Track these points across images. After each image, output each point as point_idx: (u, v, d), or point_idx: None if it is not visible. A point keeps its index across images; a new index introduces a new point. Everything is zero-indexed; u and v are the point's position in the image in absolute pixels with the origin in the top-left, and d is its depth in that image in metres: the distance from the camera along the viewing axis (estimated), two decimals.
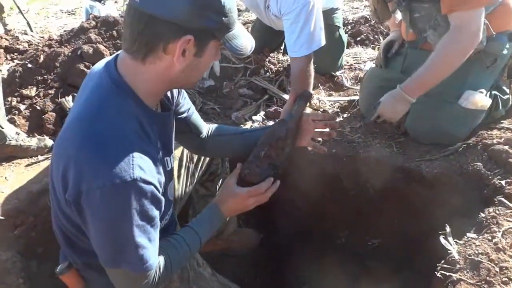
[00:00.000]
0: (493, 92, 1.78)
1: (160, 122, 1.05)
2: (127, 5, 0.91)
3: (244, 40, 0.98)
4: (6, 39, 3.89)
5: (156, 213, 0.97)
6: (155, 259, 0.99)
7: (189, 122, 1.32)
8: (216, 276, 1.45)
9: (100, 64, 1.03)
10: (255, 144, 1.30)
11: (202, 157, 1.63)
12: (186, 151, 1.56)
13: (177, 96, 1.21)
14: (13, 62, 3.25)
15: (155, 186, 0.93)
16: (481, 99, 1.69)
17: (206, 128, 1.40)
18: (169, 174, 1.10)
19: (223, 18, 0.90)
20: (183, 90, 1.27)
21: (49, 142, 2.04)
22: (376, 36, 3.27)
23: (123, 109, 0.93)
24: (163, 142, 1.07)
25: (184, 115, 1.28)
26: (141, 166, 0.89)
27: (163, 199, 0.99)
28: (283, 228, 2.06)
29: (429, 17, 1.72)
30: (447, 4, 1.55)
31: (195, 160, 1.60)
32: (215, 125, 1.45)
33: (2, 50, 3.55)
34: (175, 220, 1.42)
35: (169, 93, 1.15)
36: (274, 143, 1.26)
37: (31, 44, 3.70)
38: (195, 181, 1.64)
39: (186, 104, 1.29)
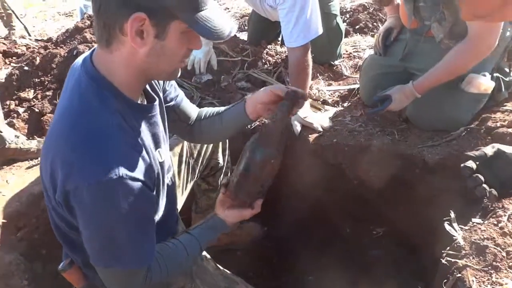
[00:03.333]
0: (495, 75, 1.75)
1: (145, 113, 1.02)
2: None
3: (217, 23, 0.88)
4: (4, 44, 3.89)
5: (146, 210, 0.95)
6: (147, 258, 0.98)
7: (178, 110, 1.28)
8: (220, 270, 1.44)
9: (79, 60, 1.00)
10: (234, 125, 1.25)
11: (203, 152, 1.61)
12: (185, 147, 1.54)
13: (163, 84, 1.18)
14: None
15: (144, 183, 0.90)
16: (484, 82, 1.66)
17: (195, 114, 1.36)
18: (163, 166, 1.07)
19: None
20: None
21: None
22: (375, 23, 3.23)
23: (104, 105, 0.90)
24: (152, 135, 1.04)
25: (172, 103, 1.25)
26: (126, 163, 0.87)
27: (153, 195, 0.97)
28: (287, 220, 2.05)
29: (434, 7, 1.68)
30: (470, 12, 1.50)
31: (195, 155, 1.59)
32: (202, 109, 1.38)
33: (0, 54, 3.55)
34: (177, 215, 1.41)
35: (154, 82, 1.11)
36: (246, 173, 1.10)
37: (29, 48, 3.70)
38: (196, 177, 1.63)
39: (173, 91, 1.25)
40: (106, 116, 0.90)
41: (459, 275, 1.08)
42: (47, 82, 2.24)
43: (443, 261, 1.16)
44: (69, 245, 1.09)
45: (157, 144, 1.06)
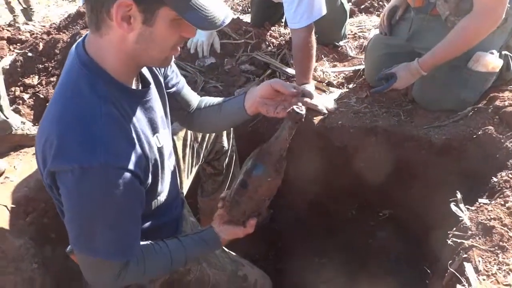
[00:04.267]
0: (504, 53, 1.71)
1: (139, 98, 1.00)
2: None
3: (210, 10, 0.85)
4: (8, 30, 3.87)
5: (128, 202, 0.93)
6: (121, 252, 0.98)
7: (178, 97, 1.26)
8: (226, 253, 1.46)
9: (75, 44, 0.99)
10: (233, 116, 1.22)
11: (207, 136, 1.60)
12: (190, 131, 1.54)
13: (165, 69, 1.16)
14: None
15: (131, 171, 0.89)
16: (492, 60, 1.63)
17: (196, 102, 1.33)
18: (162, 151, 1.07)
19: None
20: (173, 64, 1.22)
21: None
22: (380, 2, 3.17)
23: (93, 91, 0.89)
24: (148, 120, 1.02)
25: (173, 89, 1.23)
26: (111, 151, 0.86)
27: (140, 187, 0.95)
28: (293, 204, 2.05)
29: None
30: None
31: (199, 139, 1.58)
32: (202, 98, 1.36)
33: (4, 41, 3.54)
34: (182, 199, 1.42)
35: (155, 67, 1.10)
36: (241, 189, 1.07)
37: (33, 34, 3.68)
38: (200, 161, 1.63)
39: (175, 78, 1.23)
40: (94, 103, 0.88)
41: (465, 255, 1.08)
42: (51, 68, 2.24)
43: (449, 241, 1.15)
44: None
45: (154, 129, 1.05)
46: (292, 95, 1.06)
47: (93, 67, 0.90)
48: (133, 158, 0.91)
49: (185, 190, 1.58)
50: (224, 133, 1.66)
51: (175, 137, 1.48)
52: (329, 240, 1.92)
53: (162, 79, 1.15)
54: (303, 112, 0.95)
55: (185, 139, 1.52)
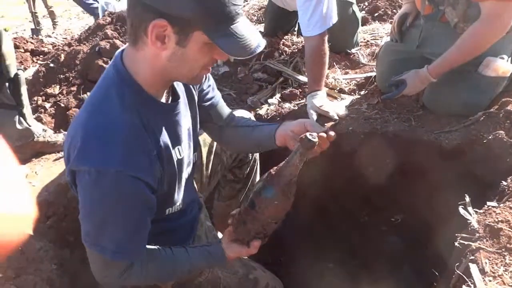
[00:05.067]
0: None
1: (166, 112, 1.04)
2: None
3: (243, 38, 0.88)
4: (31, 43, 4.03)
5: (138, 209, 0.98)
6: (126, 255, 1.03)
7: (212, 111, 1.30)
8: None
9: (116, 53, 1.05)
10: (260, 142, 1.25)
11: None
12: None
13: (201, 83, 1.19)
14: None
15: (143, 182, 0.93)
16: (502, 65, 1.63)
17: (229, 117, 1.37)
18: (181, 163, 1.11)
19: (201, 7, 0.83)
20: (210, 77, 1.26)
21: None
22: (394, 10, 3.18)
23: (121, 100, 0.94)
24: (172, 133, 1.06)
25: (208, 103, 1.27)
26: (128, 159, 0.91)
27: (152, 196, 0.99)
28: (305, 209, 2.07)
29: None
30: None
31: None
32: (236, 116, 1.39)
33: (28, 53, 3.70)
34: (201, 203, 1.45)
35: None
36: (248, 209, 1.07)
37: (55, 46, 3.83)
38: (224, 167, 1.66)
39: (211, 92, 1.27)
40: (119, 112, 0.93)
41: (472, 257, 1.08)
42: (71, 78, 2.33)
43: (457, 244, 1.16)
44: None
45: (176, 142, 1.08)
46: (302, 139, 1.06)
47: (125, 77, 0.95)
48: (148, 168, 0.95)
49: (205, 195, 1.61)
50: None
51: (201, 142, 1.52)
52: (342, 244, 1.92)
53: (195, 93, 1.19)
54: (315, 140, 0.95)
55: (211, 146, 1.57)
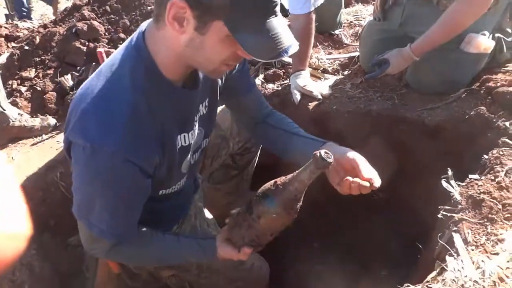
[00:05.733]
0: (496, 35, 1.71)
1: (178, 97, 0.98)
2: None
3: (272, 37, 0.79)
4: (6, 28, 3.89)
5: (129, 193, 0.96)
6: (113, 234, 1.01)
7: (242, 102, 1.24)
8: None
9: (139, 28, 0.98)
10: (296, 154, 1.14)
11: (242, 131, 1.57)
12: (233, 124, 1.53)
13: (232, 71, 1.13)
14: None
15: (138, 166, 0.90)
16: (483, 42, 1.63)
17: (264, 112, 1.28)
18: (184, 150, 1.07)
19: None
20: (246, 65, 1.20)
21: (52, 121, 2.06)
22: None
23: (134, 79, 0.89)
24: (180, 118, 1.01)
25: (236, 93, 1.21)
26: (126, 142, 0.87)
27: (145, 181, 0.95)
28: None
29: None
30: None
31: (234, 132, 1.57)
32: (276, 114, 1.29)
33: (2, 39, 3.57)
34: (198, 184, 1.42)
35: None
36: (245, 214, 1.01)
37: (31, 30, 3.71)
38: (228, 152, 1.62)
39: (240, 82, 1.19)
40: (126, 89, 0.88)
41: (454, 228, 1.09)
42: (47, 61, 2.26)
43: (440, 215, 1.16)
44: None
45: (183, 129, 1.04)
46: (363, 179, 0.97)
47: (143, 54, 0.90)
48: (145, 153, 0.91)
49: (204, 175, 1.59)
50: None
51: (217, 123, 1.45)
52: (328, 224, 1.92)
53: (220, 82, 1.13)
54: (330, 161, 0.85)
55: (221, 129, 1.52)
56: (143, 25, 0.93)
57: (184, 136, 1.04)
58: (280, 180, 0.95)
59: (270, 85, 2.06)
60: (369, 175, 0.98)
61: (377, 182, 0.98)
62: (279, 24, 0.80)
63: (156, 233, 1.12)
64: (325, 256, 1.90)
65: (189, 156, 1.10)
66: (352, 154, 1.03)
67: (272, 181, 0.97)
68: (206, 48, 0.84)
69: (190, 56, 0.87)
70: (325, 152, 0.86)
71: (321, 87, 1.93)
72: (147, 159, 0.92)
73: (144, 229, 1.10)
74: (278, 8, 0.80)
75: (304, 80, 1.92)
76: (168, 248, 1.13)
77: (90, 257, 1.54)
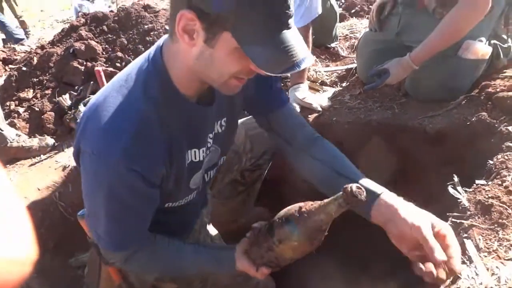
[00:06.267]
0: (492, 41, 1.72)
1: (190, 113, 0.96)
2: None
3: (284, 50, 0.75)
4: (3, 51, 3.93)
5: (135, 202, 0.93)
6: (119, 245, 1.00)
7: (271, 119, 1.16)
8: None
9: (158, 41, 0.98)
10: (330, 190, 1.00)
11: (256, 148, 1.53)
12: (246, 140, 1.50)
13: (253, 84, 1.05)
14: None
15: (144, 177, 0.88)
16: (481, 48, 1.64)
17: (305, 137, 1.16)
18: (194, 166, 1.04)
19: (233, 4, 0.72)
20: (273, 78, 1.12)
21: (50, 141, 2.05)
22: (370, 6, 3.22)
23: (147, 89, 0.88)
24: (192, 133, 0.98)
25: (262, 107, 1.15)
26: (132, 151, 0.85)
27: (150, 191, 0.93)
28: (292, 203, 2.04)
29: None
30: None
31: (247, 148, 1.53)
32: (320, 141, 1.16)
33: (0, 62, 3.58)
34: (206, 200, 1.39)
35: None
36: (266, 235, 0.96)
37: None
38: (239, 167, 1.59)
39: (264, 95, 1.12)
40: (138, 98, 0.87)
41: (465, 235, 1.06)
42: (45, 81, 2.25)
43: (449, 223, 1.14)
44: None
45: (194, 144, 1.01)
46: (434, 261, 0.81)
47: (159, 67, 0.89)
48: (151, 163, 0.89)
49: (214, 191, 1.57)
50: (269, 151, 1.57)
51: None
52: (329, 231, 1.89)
53: (239, 99, 1.09)
54: (362, 197, 0.78)
55: (235, 144, 1.46)
56: (162, 39, 0.93)
57: (195, 152, 1.02)
58: (306, 206, 0.90)
59: None
60: (442, 256, 0.79)
61: (458, 265, 0.81)
62: (292, 37, 0.76)
63: (173, 241, 1.10)
64: (325, 261, 1.86)
65: (200, 172, 1.08)
66: (418, 220, 0.85)
67: (297, 206, 0.92)
68: (216, 61, 0.81)
69: (201, 70, 0.85)
70: (357, 187, 0.78)
71: (320, 99, 1.93)
72: (153, 169, 0.90)
73: (162, 237, 1.09)
74: (291, 20, 0.77)
75: (303, 93, 1.92)
76: (186, 257, 1.09)
77: (91, 278, 1.50)
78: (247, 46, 0.75)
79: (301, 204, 0.92)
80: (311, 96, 1.95)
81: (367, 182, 1.02)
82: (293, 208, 0.93)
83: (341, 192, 0.80)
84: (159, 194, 0.97)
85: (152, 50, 0.93)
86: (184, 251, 1.10)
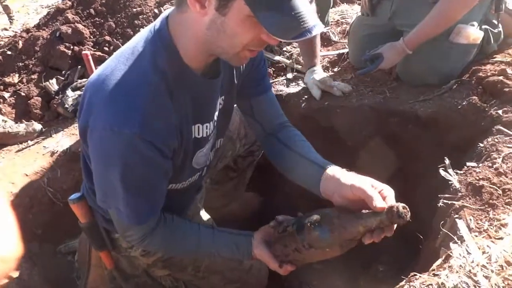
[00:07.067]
0: (484, 27, 1.73)
1: (197, 86, 0.95)
2: None
3: (293, 16, 0.75)
4: None
5: (151, 172, 0.93)
6: (139, 218, 0.99)
7: (254, 105, 1.18)
8: None
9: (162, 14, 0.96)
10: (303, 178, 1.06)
11: (250, 135, 1.54)
12: (241, 126, 1.50)
13: (249, 67, 1.08)
14: None
15: (157, 148, 0.87)
16: (473, 32, 1.64)
17: (277, 124, 1.21)
18: (197, 142, 1.03)
19: None
20: (263, 61, 1.14)
21: (37, 126, 2.01)
22: None
23: (154, 60, 0.86)
24: (196, 108, 0.97)
25: (249, 90, 1.16)
26: (145, 124, 0.85)
27: (164, 162, 0.93)
28: (285, 190, 2.03)
29: None
30: None
31: (242, 134, 1.53)
32: (287, 128, 1.21)
33: None
34: (201, 185, 1.39)
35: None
36: (295, 235, 0.95)
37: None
38: (233, 153, 1.59)
39: (254, 79, 1.14)
40: (147, 71, 0.86)
41: (456, 215, 1.07)
42: (31, 66, 2.20)
43: (441, 204, 1.15)
44: (88, 176, 1.09)
45: (199, 119, 1.00)
46: (374, 209, 0.84)
47: (165, 39, 0.87)
48: (164, 136, 0.89)
49: (209, 176, 1.57)
50: None
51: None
52: None
53: (237, 78, 1.09)
54: (407, 218, 0.79)
55: (228, 130, 1.44)
56: (167, 11, 0.91)
57: (199, 127, 1.01)
58: (340, 216, 0.88)
59: None
60: (381, 203, 0.83)
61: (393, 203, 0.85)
62: (302, 4, 0.77)
63: (190, 222, 1.11)
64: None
65: (203, 151, 1.07)
66: (357, 186, 0.89)
67: (332, 211, 0.91)
68: (227, 30, 0.81)
69: (212, 40, 0.84)
70: (403, 207, 0.79)
71: (343, 86, 1.89)
72: (166, 142, 0.90)
73: (178, 218, 1.09)
74: None
75: (320, 74, 1.88)
76: (203, 238, 1.10)
77: (81, 264, 1.49)
78: (260, 13, 0.75)
79: (336, 209, 0.91)
80: (330, 79, 1.90)
81: (317, 161, 1.06)
82: (326, 211, 0.92)
83: (382, 213, 0.80)
84: (171, 167, 0.96)
85: (157, 22, 0.91)
86: (202, 232, 1.10)
